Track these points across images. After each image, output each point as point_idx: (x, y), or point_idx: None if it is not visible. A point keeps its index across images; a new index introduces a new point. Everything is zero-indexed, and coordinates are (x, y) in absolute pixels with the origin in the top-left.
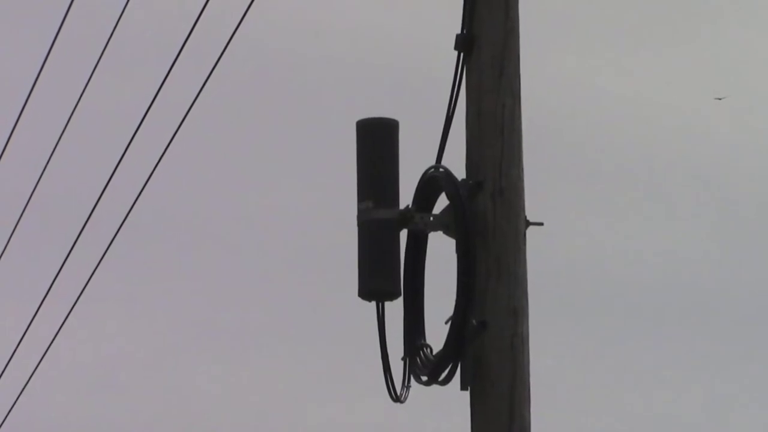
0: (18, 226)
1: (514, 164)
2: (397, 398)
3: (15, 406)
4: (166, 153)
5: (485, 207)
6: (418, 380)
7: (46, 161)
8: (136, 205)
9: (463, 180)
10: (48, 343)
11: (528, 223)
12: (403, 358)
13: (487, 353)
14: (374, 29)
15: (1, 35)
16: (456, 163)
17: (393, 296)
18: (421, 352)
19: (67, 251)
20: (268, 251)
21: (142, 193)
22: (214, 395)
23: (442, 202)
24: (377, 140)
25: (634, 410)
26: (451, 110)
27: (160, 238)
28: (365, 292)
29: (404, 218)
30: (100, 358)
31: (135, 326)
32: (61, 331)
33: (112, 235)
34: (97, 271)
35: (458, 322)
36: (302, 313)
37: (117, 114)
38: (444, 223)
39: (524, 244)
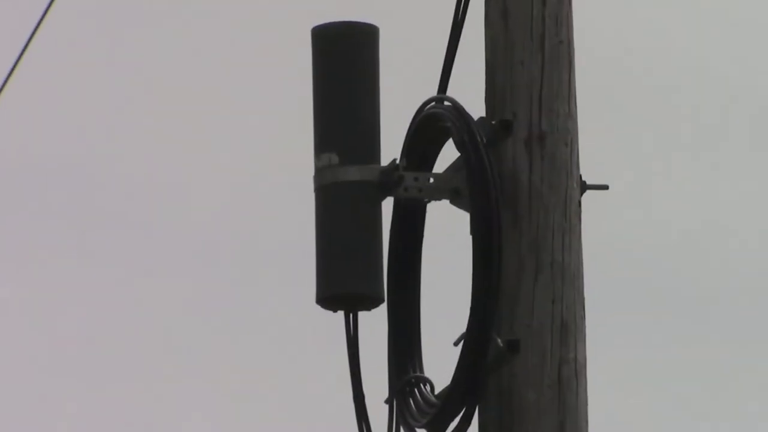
0: None
1: (561, 95)
2: None
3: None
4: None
5: (516, 162)
6: None
7: None
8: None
9: (481, 118)
10: None
11: (585, 187)
12: (389, 401)
13: (519, 390)
14: None
15: None
16: (470, 95)
17: (372, 302)
18: (416, 391)
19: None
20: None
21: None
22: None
23: (448, 155)
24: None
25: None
26: (460, 14)
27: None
28: (326, 298)
29: (388, 180)
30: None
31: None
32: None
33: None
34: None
35: (474, 342)
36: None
37: None
38: (451, 188)
39: (579, 219)
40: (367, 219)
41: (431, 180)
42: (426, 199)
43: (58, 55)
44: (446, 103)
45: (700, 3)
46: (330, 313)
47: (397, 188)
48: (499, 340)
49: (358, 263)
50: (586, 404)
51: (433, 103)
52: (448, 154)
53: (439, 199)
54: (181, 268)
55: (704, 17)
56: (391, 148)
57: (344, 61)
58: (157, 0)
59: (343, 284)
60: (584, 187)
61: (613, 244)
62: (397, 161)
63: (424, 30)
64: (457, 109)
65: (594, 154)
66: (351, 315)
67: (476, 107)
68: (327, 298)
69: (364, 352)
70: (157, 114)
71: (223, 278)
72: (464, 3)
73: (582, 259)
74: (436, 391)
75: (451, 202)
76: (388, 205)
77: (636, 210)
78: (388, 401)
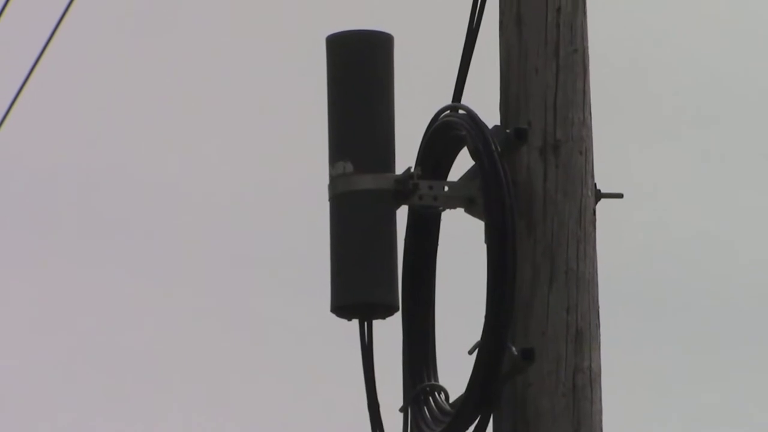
0: None
1: (576, 103)
2: None
3: None
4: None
5: (531, 170)
6: None
7: None
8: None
9: (495, 127)
10: None
11: (600, 195)
12: (403, 409)
13: (534, 398)
14: None
15: None
16: (485, 103)
17: (386, 311)
18: (431, 399)
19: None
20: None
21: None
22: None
23: (462, 163)
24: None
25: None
26: (474, 22)
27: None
28: (341, 306)
29: (403, 188)
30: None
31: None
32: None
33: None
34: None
35: (489, 351)
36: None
37: None
38: (466, 196)
39: (594, 227)
40: (381, 227)
41: (446, 188)
42: (440, 208)
43: (64, 59)
44: (461, 111)
45: (714, 12)
46: (345, 321)
47: (412, 197)
48: (513, 349)
49: (373, 272)
50: (601, 412)
51: (448, 112)
52: (463, 163)
53: (454, 208)
54: (196, 277)
55: (719, 27)
56: (405, 156)
57: (359, 70)
58: (169, 6)
59: (357, 293)
60: (599, 195)
61: (628, 252)
62: (412, 170)
63: (438, 38)
64: (472, 118)
65: (609, 163)
66: (366, 323)
67: (491, 115)
68: (342, 307)
69: (378, 360)
70: (168, 120)
71: (238, 286)
72: (479, 11)
73: (596, 267)
74: (451, 400)
75: (466, 210)
76: (402, 214)
77: (650, 218)
78: (403, 409)
